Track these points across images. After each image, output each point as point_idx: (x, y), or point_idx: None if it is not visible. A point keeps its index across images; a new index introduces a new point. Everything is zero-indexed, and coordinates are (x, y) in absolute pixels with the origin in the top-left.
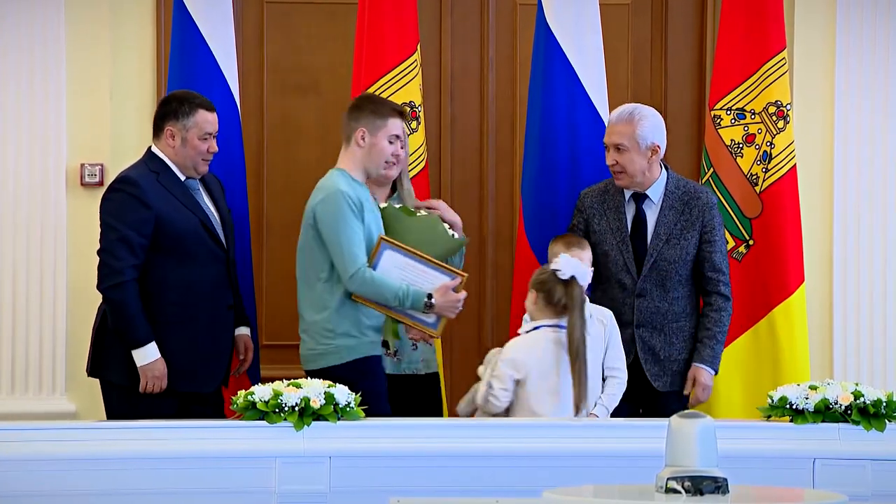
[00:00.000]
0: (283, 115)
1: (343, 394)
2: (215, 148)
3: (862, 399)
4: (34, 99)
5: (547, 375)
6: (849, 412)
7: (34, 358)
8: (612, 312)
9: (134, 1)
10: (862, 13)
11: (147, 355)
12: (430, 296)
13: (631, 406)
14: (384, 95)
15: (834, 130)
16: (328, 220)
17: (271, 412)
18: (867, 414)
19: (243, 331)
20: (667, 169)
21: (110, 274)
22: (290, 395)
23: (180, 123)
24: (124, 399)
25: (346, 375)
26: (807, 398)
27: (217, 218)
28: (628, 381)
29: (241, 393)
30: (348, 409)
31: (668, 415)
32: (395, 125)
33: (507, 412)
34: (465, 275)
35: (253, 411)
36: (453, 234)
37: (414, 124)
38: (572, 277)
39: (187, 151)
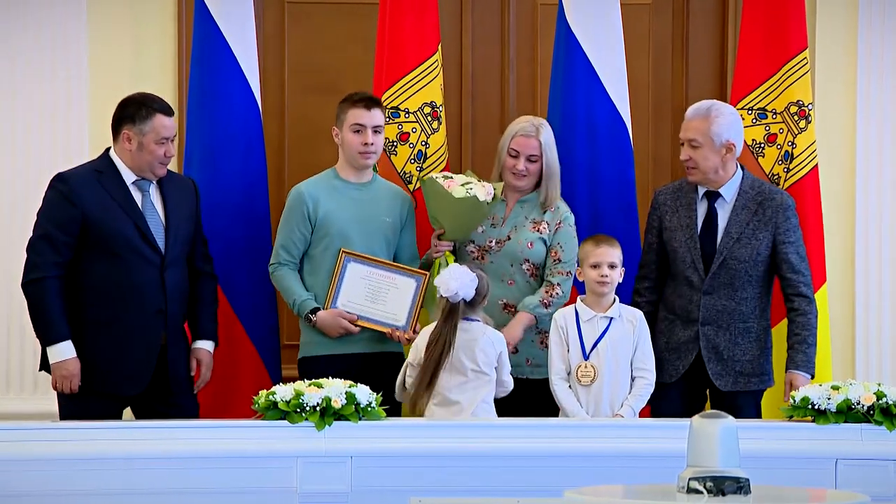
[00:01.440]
0: (303, 115)
1: (364, 394)
2: (172, 152)
3: (884, 399)
4: (56, 98)
5: None
6: (871, 412)
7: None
8: (642, 313)
9: (155, 1)
10: (884, 12)
11: (58, 354)
12: (315, 310)
13: (690, 406)
14: (405, 96)
15: (856, 130)
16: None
17: (293, 412)
18: (890, 414)
19: (199, 344)
20: (743, 169)
21: (29, 270)
22: (312, 395)
23: (137, 128)
24: (69, 399)
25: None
26: (829, 398)
27: (162, 222)
28: (689, 382)
29: (263, 393)
30: (369, 408)
31: (738, 417)
32: (356, 115)
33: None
34: (426, 273)
35: (274, 411)
36: (469, 193)
37: (435, 124)
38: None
39: (143, 156)
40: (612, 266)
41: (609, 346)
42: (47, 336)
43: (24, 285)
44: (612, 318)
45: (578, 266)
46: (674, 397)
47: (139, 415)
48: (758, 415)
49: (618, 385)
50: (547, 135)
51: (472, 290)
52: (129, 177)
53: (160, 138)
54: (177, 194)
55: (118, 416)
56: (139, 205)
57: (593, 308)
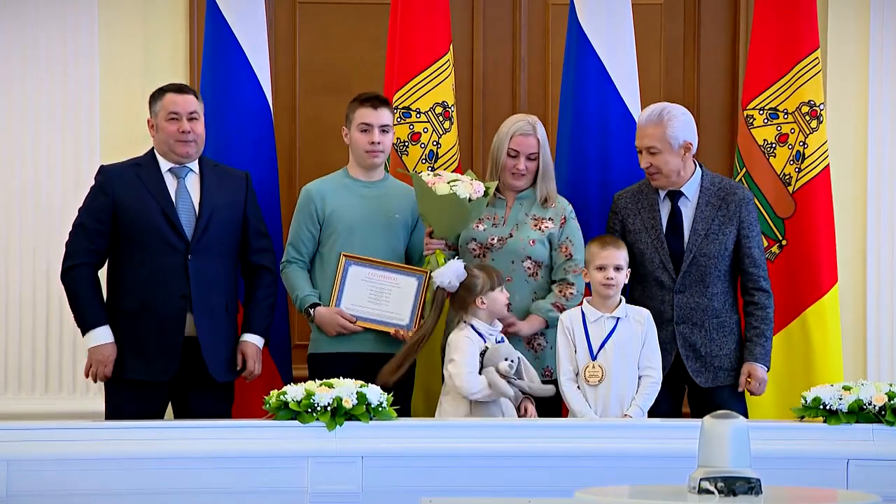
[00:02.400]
0: (314, 115)
1: (375, 394)
2: (187, 127)
3: None
4: (67, 96)
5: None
6: (883, 413)
7: (68, 357)
8: (649, 312)
9: (167, 1)
10: None
11: (94, 339)
12: (314, 305)
13: (674, 404)
14: (416, 96)
15: (867, 130)
16: None
17: (304, 412)
18: None
19: (245, 338)
20: (701, 167)
21: (65, 258)
22: (323, 394)
23: (153, 112)
24: (112, 390)
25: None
26: (840, 399)
27: (195, 209)
28: (671, 380)
29: (274, 393)
30: (380, 409)
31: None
32: (363, 114)
33: None
34: (427, 271)
35: (285, 411)
36: (452, 190)
37: (447, 124)
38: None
39: (161, 136)
40: (617, 268)
41: (616, 347)
42: (83, 323)
43: (61, 275)
44: (618, 319)
45: (584, 267)
46: (660, 398)
47: (176, 406)
48: (742, 409)
49: (626, 385)
50: (542, 132)
51: (455, 279)
52: (165, 165)
53: (168, 113)
54: (220, 184)
55: (161, 405)
56: (172, 192)
57: (600, 309)
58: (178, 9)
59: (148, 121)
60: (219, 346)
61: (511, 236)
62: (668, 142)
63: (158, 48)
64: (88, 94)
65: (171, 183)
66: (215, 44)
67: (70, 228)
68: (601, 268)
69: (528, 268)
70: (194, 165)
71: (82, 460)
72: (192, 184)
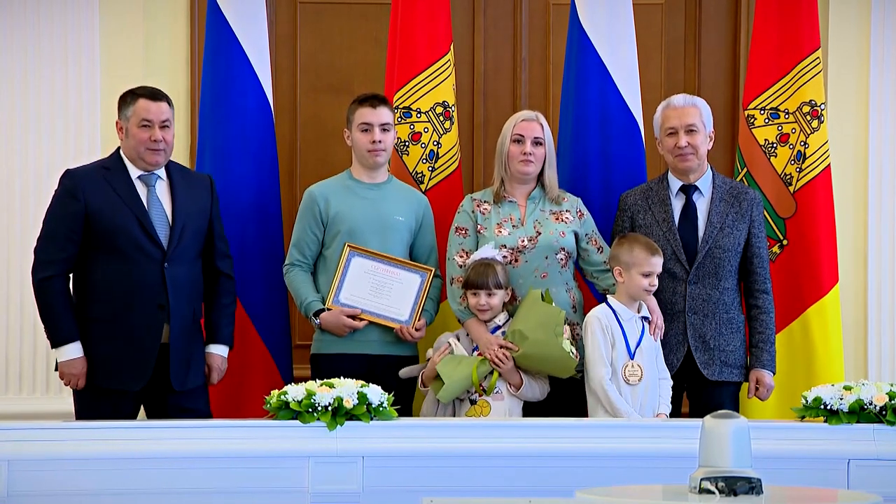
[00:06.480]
0: (315, 115)
1: (376, 394)
2: (158, 136)
3: None
4: (68, 92)
5: None
6: (883, 413)
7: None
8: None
9: (167, 1)
10: None
11: (64, 354)
12: (318, 313)
13: (676, 393)
14: (417, 95)
15: (868, 130)
16: None
17: (304, 412)
18: None
19: (212, 349)
20: (711, 167)
21: (36, 268)
22: (324, 394)
23: (123, 116)
24: (81, 396)
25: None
26: (841, 399)
27: (168, 216)
28: (678, 368)
29: (275, 392)
30: (381, 408)
31: (717, 407)
32: (363, 114)
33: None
34: (432, 269)
35: (286, 411)
36: (571, 352)
37: (447, 124)
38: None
39: (130, 142)
40: (658, 276)
41: (649, 346)
42: (54, 337)
43: (33, 284)
44: (645, 319)
45: (620, 268)
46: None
47: (150, 411)
48: (735, 409)
49: (655, 385)
50: (545, 123)
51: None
52: (134, 172)
53: (140, 120)
54: (188, 190)
55: (133, 412)
56: (143, 199)
57: (630, 308)
58: (179, 9)
59: (117, 122)
60: (186, 353)
61: (539, 234)
62: (704, 123)
63: (158, 48)
64: (88, 94)
65: (141, 191)
66: (216, 44)
67: (40, 234)
68: (647, 274)
69: (561, 259)
70: (161, 172)
71: (82, 460)
72: (163, 192)
